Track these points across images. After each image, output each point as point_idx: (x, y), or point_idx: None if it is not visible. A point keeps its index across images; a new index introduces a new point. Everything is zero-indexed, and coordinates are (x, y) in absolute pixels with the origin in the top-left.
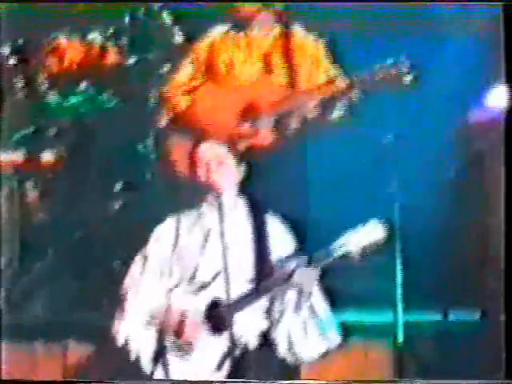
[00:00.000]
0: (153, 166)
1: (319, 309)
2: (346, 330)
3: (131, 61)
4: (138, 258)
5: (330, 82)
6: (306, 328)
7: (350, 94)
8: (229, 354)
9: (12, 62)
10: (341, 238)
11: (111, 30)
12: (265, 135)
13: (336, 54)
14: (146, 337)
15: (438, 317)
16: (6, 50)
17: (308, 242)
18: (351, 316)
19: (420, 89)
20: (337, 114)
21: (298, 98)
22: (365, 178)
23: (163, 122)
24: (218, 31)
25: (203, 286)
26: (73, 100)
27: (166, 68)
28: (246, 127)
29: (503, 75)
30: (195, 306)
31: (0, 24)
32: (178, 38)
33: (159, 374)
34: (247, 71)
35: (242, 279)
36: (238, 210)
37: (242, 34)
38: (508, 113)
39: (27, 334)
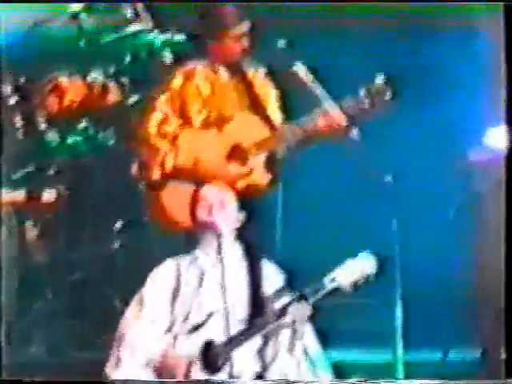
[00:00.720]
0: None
1: (311, 349)
2: (345, 369)
3: (132, 100)
4: (134, 302)
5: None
6: (299, 369)
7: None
8: None
9: (13, 100)
10: (331, 272)
11: (112, 69)
12: (260, 174)
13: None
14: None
15: (437, 355)
16: (7, 89)
17: (303, 281)
18: (350, 355)
19: (419, 125)
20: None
21: (282, 136)
22: (364, 217)
23: (156, 175)
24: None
25: (197, 327)
26: (72, 139)
27: None
28: (236, 169)
29: (503, 119)
30: (189, 348)
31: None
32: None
33: None
34: (223, 112)
35: (235, 320)
36: (234, 254)
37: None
38: (509, 153)
39: (26, 374)
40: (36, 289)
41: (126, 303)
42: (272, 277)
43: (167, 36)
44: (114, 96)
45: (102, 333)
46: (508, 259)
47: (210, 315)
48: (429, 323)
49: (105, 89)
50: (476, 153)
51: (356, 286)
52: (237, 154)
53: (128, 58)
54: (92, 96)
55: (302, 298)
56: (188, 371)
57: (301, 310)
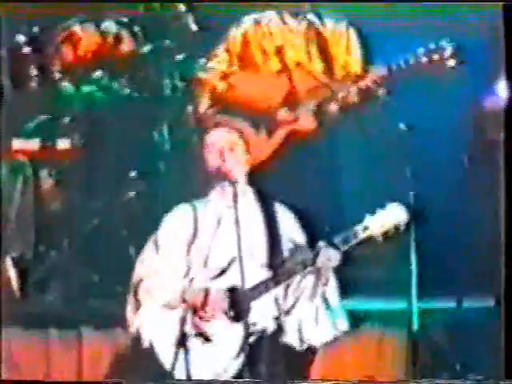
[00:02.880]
0: (167, 154)
1: (331, 297)
2: (360, 318)
3: (146, 49)
4: (150, 243)
5: (364, 71)
6: (317, 315)
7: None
8: (245, 340)
9: (26, 50)
10: (363, 221)
11: (125, 19)
12: (306, 121)
13: (368, 44)
14: (167, 322)
15: (452, 304)
16: (21, 39)
17: (325, 229)
18: (365, 304)
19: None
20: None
21: (335, 86)
22: (379, 166)
23: (203, 107)
24: (251, 20)
25: (219, 273)
26: (87, 88)
27: (181, 56)
28: (285, 114)
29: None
30: (215, 287)
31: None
32: (193, 26)
33: (181, 359)
34: (281, 60)
35: (255, 266)
36: (247, 198)
37: (274, 22)
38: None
39: (41, 322)
40: (51, 238)
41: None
42: (289, 223)
43: None
44: (127, 45)
45: (118, 281)
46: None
47: (231, 261)
48: (443, 272)
49: (118, 38)
50: (490, 101)
51: (387, 235)
52: (289, 98)
53: (141, 7)
54: (106, 45)
55: (333, 246)
56: (205, 303)
57: (330, 259)
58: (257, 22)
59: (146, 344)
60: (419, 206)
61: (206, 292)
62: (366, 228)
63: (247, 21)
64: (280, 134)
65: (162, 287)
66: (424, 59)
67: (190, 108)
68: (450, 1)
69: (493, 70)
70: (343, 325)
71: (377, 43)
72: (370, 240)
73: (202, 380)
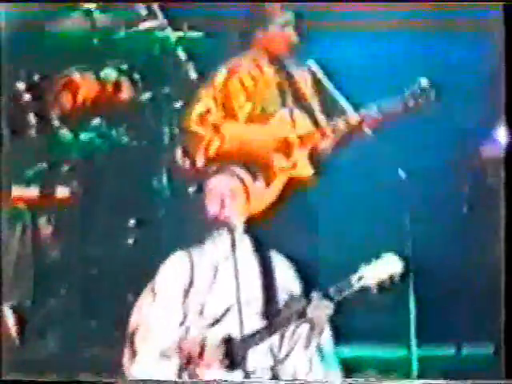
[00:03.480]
0: (166, 202)
1: (326, 347)
2: (360, 365)
3: (145, 96)
4: (147, 291)
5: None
6: (311, 365)
7: (362, 130)
8: None
9: (26, 98)
10: (358, 271)
11: (125, 66)
12: (303, 168)
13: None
14: (164, 371)
15: (451, 351)
16: (21, 87)
17: (319, 279)
18: (365, 351)
19: (432, 122)
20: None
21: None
22: (377, 214)
23: (199, 162)
24: (226, 71)
25: (215, 322)
26: (85, 136)
27: (179, 104)
28: (282, 161)
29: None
30: (210, 338)
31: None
32: (192, 73)
33: None
34: (266, 107)
35: (251, 315)
36: (244, 246)
37: (249, 71)
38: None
39: (40, 370)
40: (50, 285)
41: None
42: (285, 272)
43: (180, 33)
44: (126, 93)
45: (116, 329)
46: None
47: (227, 310)
48: (442, 319)
49: (117, 86)
50: (488, 150)
51: (382, 286)
52: (282, 147)
53: (141, 55)
54: (105, 93)
55: (326, 296)
56: (202, 352)
57: (323, 309)
58: (232, 72)
59: None
60: (417, 254)
61: (202, 341)
62: (360, 278)
63: (224, 70)
64: (278, 181)
65: (158, 336)
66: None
67: (186, 161)
68: (452, 1)
69: (492, 114)
70: (336, 376)
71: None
72: (364, 290)
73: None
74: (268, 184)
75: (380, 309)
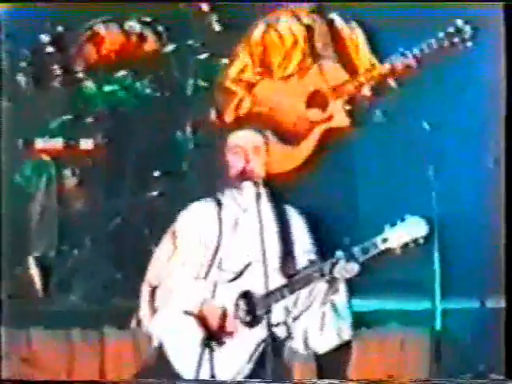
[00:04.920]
0: (190, 154)
1: (340, 303)
2: (384, 317)
3: (169, 48)
4: (166, 242)
5: (373, 67)
6: (323, 321)
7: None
8: (261, 346)
9: (50, 49)
10: (382, 232)
11: (149, 18)
12: (340, 119)
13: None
14: (187, 326)
15: (475, 304)
16: (46, 38)
17: (344, 235)
18: (389, 303)
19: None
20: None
21: (355, 82)
22: (401, 167)
23: (228, 118)
24: (264, 25)
25: (236, 276)
26: (110, 88)
27: (204, 56)
28: (317, 113)
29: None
30: (227, 298)
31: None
32: (216, 25)
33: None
34: (298, 61)
35: (271, 270)
36: (263, 201)
37: (284, 26)
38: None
39: (64, 322)
40: (74, 237)
41: None
42: (300, 227)
43: None
44: (150, 45)
45: (141, 280)
46: None
47: (248, 265)
48: (467, 272)
49: (142, 37)
50: None
51: (405, 248)
52: (317, 99)
53: (164, 7)
54: (129, 45)
55: (351, 256)
56: (223, 322)
57: (348, 269)
58: (271, 25)
59: (155, 344)
60: (443, 208)
61: (223, 311)
62: (385, 240)
63: (262, 24)
64: (315, 134)
65: (181, 292)
66: (446, 43)
67: (213, 112)
68: (451, 0)
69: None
70: (347, 334)
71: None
72: (388, 252)
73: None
74: (304, 138)
75: (404, 262)
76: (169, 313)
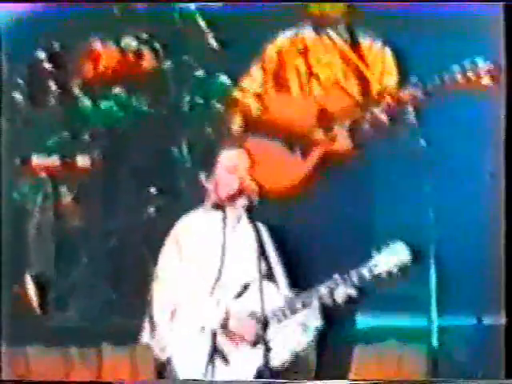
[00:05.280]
0: (186, 171)
1: (308, 319)
2: (380, 334)
3: (166, 65)
4: (171, 246)
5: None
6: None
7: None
8: (266, 365)
9: (47, 66)
10: (372, 258)
11: (145, 35)
12: (342, 142)
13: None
14: (197, 343)
15: (472, 321)
16: (42, 55)
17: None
18: (386, 320)
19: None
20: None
21: (369, 105)
22: (397, 184)
23: (235, 126)
24: (284, 37)
25: (240, 294)
26: (106, 105)
27: (200, 73)
28: (321, 134)
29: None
30: (238, 313)
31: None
32: (213, 42)
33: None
34: (316, 79)
35: (270, 290)
36: (243, 222)
37: (309, 40)
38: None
39: (62, 339)
40: (72, 255)
41: None
42: (269, 244)
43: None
44: (147, 62)
45: (138, 298)
46: None
47: (247, 284)
48: (463, 289)
49: (138, 54)
50: None
51: (391, 274)
52: (323, 119)
53: (161, 24)
54: (126, 62)
55: (348, 281)
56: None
57: (347, 294)
58: (292, 41)
59: (164, 357)
60: (439, 223)
61: (229, 318)
62: (375, 266)
63: (282, 38)
64: (315, 154)
65: (194, 311)
66: (459, 77)
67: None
68: (451, 0)
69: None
70: (301, 346)
71: (411, 61)
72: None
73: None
74: (305, 156)
75: (401, 278)
76: (179, 328)
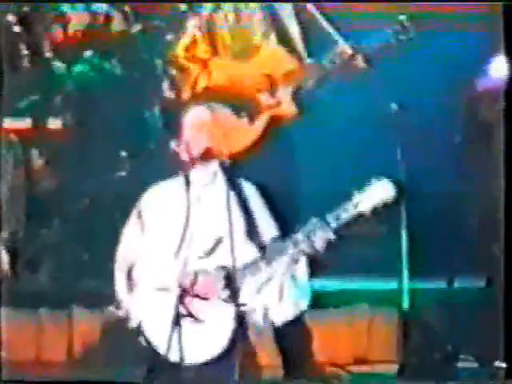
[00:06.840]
0: (158, 133)
1: (299, 274)
2: (351, 297)
3: (136, 28)
4: (133, 222)
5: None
6: (282, 293)
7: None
8: (238, 321)
9: (17, 29)
10: (352, 198)
11: None
12: (288, 106)
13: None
14: (161, 303)
15: (443, 284)
16: (12, 18)
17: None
18: (357, 283)
19: (426, 55)
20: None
21: (308, 70)
22: (369, 147)
23: (186, 95)
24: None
25: (207, 253)
26: (78, 68)
27: (170, 35)
28: (268, 98)
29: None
30: (206, 269)
31: None
32: (181, 5)
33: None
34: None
35: (240, 246)
36: (220, 178)
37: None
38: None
39: (32, 302)
40: (43, 217)
41: None
42: (256, 200)
43: None
44: (117, 25)
45: (109, 260)
46: (508, 188)
47: (218, 241)
48: (434, 252)
49: (108, 18)
50: (481, 83)
51: (376, 211)
52: (266, 84)
53: None
54: (96, 25)
55: (325, 224)
56: (194, 284)
57: (324, 237)
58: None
59: (133, 324)
60: (410, 184)
61: (197, 274)
62: (355, 205)
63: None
64: (263, 118)
65: (154, 269)
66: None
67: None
68: (451, 0)
69: (490, 48)
70: (304, 304)
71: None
72: (360, 217)
73: None
74: (252, 121)
75: (371, 241)
76: (144, 292)
